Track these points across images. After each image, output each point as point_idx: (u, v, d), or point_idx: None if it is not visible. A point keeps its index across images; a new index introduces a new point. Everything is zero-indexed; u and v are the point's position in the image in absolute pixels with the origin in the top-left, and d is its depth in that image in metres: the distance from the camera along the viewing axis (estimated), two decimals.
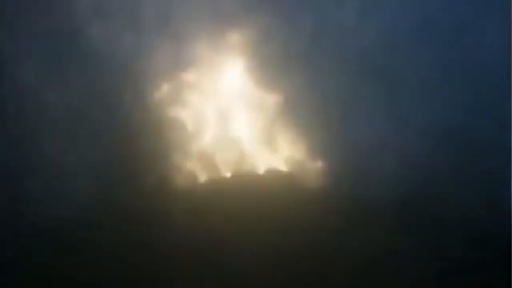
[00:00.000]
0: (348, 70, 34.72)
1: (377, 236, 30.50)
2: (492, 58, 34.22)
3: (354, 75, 34.67)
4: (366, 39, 34.83)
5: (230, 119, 36.71)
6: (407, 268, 29.00)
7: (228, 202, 32.26)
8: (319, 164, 35.09)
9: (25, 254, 29.32)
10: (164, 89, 35.69)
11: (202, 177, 34.98)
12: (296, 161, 35.56)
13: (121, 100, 34.58)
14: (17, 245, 29.74)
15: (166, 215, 31.31)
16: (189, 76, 36.19)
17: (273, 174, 34.90)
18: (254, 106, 36.59)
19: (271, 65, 35.97)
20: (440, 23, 35.44)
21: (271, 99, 36.26)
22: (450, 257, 29.73)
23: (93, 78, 34.39)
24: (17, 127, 33.33)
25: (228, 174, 35.22)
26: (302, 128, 35.81)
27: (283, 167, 35.52)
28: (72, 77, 34.23)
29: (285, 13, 35.94)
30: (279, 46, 35.91)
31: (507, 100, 33.37)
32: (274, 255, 29.53)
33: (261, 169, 35.38)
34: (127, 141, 34.11)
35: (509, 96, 33.40)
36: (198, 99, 36.55)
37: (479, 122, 33.72)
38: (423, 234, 30.85)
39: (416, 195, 32.34)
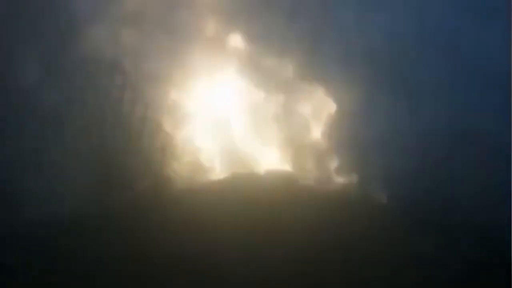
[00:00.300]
0: (354, 73, 34.82)
1: (382, 236, 30.54)
2: (493, 59, 34.28)
3: (360, 77, 34.77)
4: (373, 42, 34.94)
5: (230, 120, 36.77)
6: (411, 267, 29.02)
7: (227, 203, 32.22)
8: (328, 165, 35.18)
9: (21, 255, 29.29)
10: (163, 90, 35.73)
11: (201, 178, 35.04)
12: (298, 160, 35.63)
13: (120, 101, 34.65)
14: (14, 246, 29.71)
15: (163, 217, 31.27)
16: (188, 77, 36.24)
17: (273, 174, 34.99)
18: (254, 106, 36.69)
19: (270, 64, 36.12)
20: (442, 27, 35.54)
21: (271, 99, 36.41)
22: (452, 256, 29.69)
23: (92, 79, 34.41)
24: (17, 127, 33.38)
25: (228, 175, 35.31)
26: (307, 127, 36.01)
27: (284, 167, 35.61)
28: (72, 78, 34.23)
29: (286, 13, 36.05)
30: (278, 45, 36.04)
31: (507, 100, 33.42)
32: (275, 257, 29.45)
33: (261, 169, 35.52)
34: (125, 142, 34.16)
35: (510, 97, 33.45)
36: (198, 100, 36.67)
37: (481, 122, 33.76)
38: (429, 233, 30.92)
39: (416, 197, 32.43)
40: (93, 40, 34.65)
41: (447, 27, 35.48)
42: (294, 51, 35.74)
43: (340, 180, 34.55)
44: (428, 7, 35.42)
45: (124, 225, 30.85)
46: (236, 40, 36.79)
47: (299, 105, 36.26)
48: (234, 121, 36.66)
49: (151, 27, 35.88)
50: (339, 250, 29.85)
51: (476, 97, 34.41)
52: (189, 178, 34.70)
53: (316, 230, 30.50)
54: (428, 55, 34.99)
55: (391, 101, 34.18)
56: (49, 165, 32.96)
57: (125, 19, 35.58)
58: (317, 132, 35.89)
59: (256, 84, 36.54)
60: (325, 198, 33.33)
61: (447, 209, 31.91)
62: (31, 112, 33.65)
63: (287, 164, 35.61)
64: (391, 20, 35.04)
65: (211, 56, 36.59)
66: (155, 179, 34.30)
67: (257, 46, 36.57)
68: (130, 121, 34.73)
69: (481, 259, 29.47)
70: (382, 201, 32.85)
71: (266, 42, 36.26)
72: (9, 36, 34.17)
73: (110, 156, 33.85)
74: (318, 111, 36.04)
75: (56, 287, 28.26)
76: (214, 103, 36.79)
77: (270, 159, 35.85)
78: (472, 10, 35.40)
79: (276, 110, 36.21)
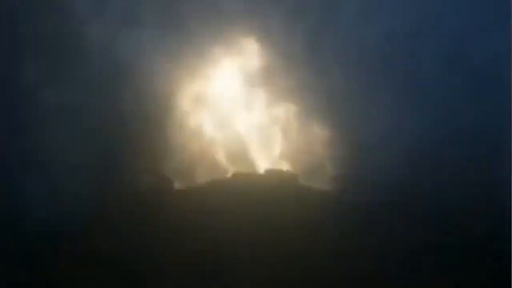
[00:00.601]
0: (352, 70, 34.74)
1: (378, 236, 30.55)
2: (493, 58, 34.20)
3: (357, 74, 34.70)
4: (371, 40, 34.85)
5: (231, 119, 36.78)
6: (409, 266, 28.94)
7: (228, 202, 32.29)
8: (322, 164, 35.13)
9: (23, 253, 29.41)
10: (164, 90, 35.72)
11: (202, 178, 35.06)
12: (298, 160, 35.61)
13: (121, 100, 34.67)
14: (16, 244, 29.82)
15: (165, 215, 31.35)
16: (189, 77, 36.22)
17: (273, 174, 35.01)
18: (255, 107, 36.68)
19: (272, 65, 36.11)
20: (443, 24, 35.47)
21: (271, 99, 36.40)
22: (451, 257, 29.63)
23: (93, 79, 34.43)
24: (16, 127, 33.46)
25: (228, 174, 35.35)
26: (304, 127, 35.94)
27: (284, 167, 35.60)
28: (71, 79, 34.27)
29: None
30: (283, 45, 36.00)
31: (507, 100, 33.30)
32: (275, 256, 29.51)
33: (261, 169, 35.54)
34: (126, 141, 34.19)
35: (510, 96, 33.33)
36: (199, 100, 36.69)
37: (480, 121, 33.68)
38: (424, 233, 30.85)
39: (415, 194, 32.37)
40: (93, 40, 34.69)
41: (449, 27, 35.47)
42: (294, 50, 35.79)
43: (338, 180, 34.55)
44: (429, 6, 35.39)
45: (125, 225, 30.94)
46: (238, 40, 36.79)
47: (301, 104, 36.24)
48: (235, 121, 36.71)
49: (152, 26, 35.90)
50: (339, 250, 29.84)
51: (477, 96, 34.37)
52: (190, 178, 34.74)
53: (315, 229, 30.59)
54: (430, 54, 35.01)
55: (391, 101, 34.24)
56: (49, 165, 33.05)
57: (125, 19, 35.63)
58: (319, 131, 35.88)
59: (258, 85, 36.61)
60: (324, 198, 33.46)
61: (447, 209, 31.87)
62: (31, 112, 33.72)
63: (287, 164, 35.68)
64: (395, 22, 35.04)
65: (213, 56, 36.62)
66: (155, 179, 34.36)
67: (260, 45, 36.59)
68: (130, 121, 34.76)
69: (481, 259, 29.36)
70: (379, 200, 32.77)
71: (268, 41, 36.28)
72: (9, 36, 34.24)
73: (111, 156, 33.90)
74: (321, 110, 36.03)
75: (57, 286, 28.32)
76: (215, 103, 36.85)
77: (270, 159, 35.92)
78: (474, 11, 35.38)
79: (275, 110, 36.31)
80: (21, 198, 31.78)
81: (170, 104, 36.03)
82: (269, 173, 35.08)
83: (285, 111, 36.32)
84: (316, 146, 35.43)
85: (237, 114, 36.89)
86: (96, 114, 34.43)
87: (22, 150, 33.25)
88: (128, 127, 34.63)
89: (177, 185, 34.49)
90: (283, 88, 36.42)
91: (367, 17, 35.19)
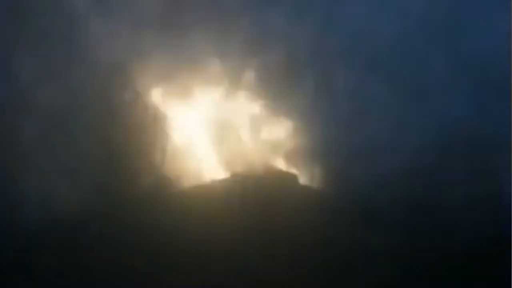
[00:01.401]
0: (353, 70, 34.80)
1: (376, 235, 30.57)
2: (494, 57, 34.22)
3: (359, 74, 34.78)
4: (372, 39, 34.89)
5: (231, 119, 36.81)
6: (407, 267, 28.99)
7: (227, 202, 32.31)
8: (321, 163, 35.18)
9: (22, 255, 29.45)
10: (163, 89, 35.73)
11: (202, 178, 35.11)
12: (297, 160, 35.65)
13: (120, 101, 34.70)
14: (15, 246, 29.85)
15: (164, 216, 31.38)
16: (189, 76, 36.21)
17: (273, 174, 35.03)
18: (253, 107, 36.70)
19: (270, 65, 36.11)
20: (444, 23, 35.51)
21: (270, 99, 36.41)
22: (451, 257, 29.63)
23: (93, 80, 34.43)
24: (17, 126, 33.47)
25: (228, 174, 35.37)
26: (304, 128, 36.00)
27: (283, 167, 35.63)
28: (70, 78, 34.26)
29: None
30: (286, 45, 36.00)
31: (508, 99, 33.31)
32: (274, 256, 29.53)
33: (261, 169, 35.54)
34: (125, 141, 34.21)
35: (510, 96, 33.34)
36: (198, 100, 36.69)
37: (480, 121, 33.73)
38: (422, 233, 30.86)
39: (417, 195, 32.40)
40: (93, 40, 34.68)
41: (450, 25, 35.48)
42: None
43: (337, 181, 34.58)
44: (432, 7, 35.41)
45: (125, 225, 30.99)
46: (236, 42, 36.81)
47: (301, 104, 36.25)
48: (234, 121, 36.73)
49: (153, 26, 35.89)
50: (338, 250, 29.89)
51: (478, 96, 34.43)
52: (189, 178, 34.77)
53: (315, 229, 30.66)
54: (431, 55, 35.03)
55: (390, 101, 34.30)
56: (49, 165, 33.08)
57: (126, 19, 35.62)
58: (319, 131, 35.89)
59: (256, 86, 36.62)
60: (326, 198, 33.47)
61: (446, 210, 31.92)
62: (32, 111, 33.75)
63: (287, 165, 35.71)
64: (396, 20, 35.03)
65: (213, 54, 36.61)
66: (155, 179, 34.39)
67: (258, 45, 36.56)
68: (130, 122, 34.78)
69: (481, 259, 29.37)
70: (379, 202, 32.79)
71: (267, 40, 36.27)
72: (9, 35, 34.25)
73: (111, 157, 33.92)
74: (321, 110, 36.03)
75: (57, 285, 28.37)
76: (214, 103, 36.86)
77: (270, 159, 35.95)
78: (475, 9, 35.41)
79: (273, 111, 36.34)
80: (18, 199, 31.83)
81: (169, 104, 36.07)
82: (269, 173, 35.09)
83: (283, 110, 36.32)
84: (316, 146, 35.51)
85: (236, 114, 36.89)
86: (95, 114, 34.42)
87: (20, 150, 33.26)
88: (128, 128, 34.69)
89: (177, 185, 34.48)
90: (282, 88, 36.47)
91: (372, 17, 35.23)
